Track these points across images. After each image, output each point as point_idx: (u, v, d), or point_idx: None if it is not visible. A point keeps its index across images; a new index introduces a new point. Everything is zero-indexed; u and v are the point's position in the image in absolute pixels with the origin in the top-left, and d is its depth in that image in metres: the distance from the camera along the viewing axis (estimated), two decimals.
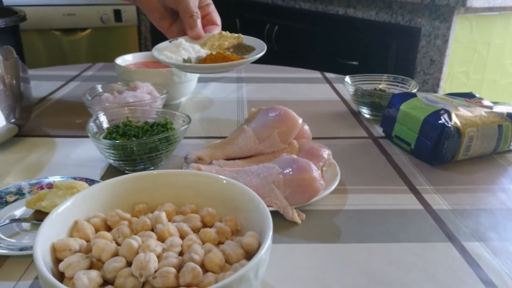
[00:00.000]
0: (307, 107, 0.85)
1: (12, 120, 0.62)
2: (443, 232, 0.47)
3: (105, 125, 0.60)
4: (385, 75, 0.83)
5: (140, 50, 2.70)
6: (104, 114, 0.61)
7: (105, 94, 0.70)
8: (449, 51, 1.71)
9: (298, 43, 2.29)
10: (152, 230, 0.35)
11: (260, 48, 0.71)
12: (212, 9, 0.76)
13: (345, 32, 2.05)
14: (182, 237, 0.34)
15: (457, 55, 1.74)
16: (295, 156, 0.49)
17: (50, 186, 0.50)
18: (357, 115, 0.81)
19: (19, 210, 0.47)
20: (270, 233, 0.31)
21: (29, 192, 0.49)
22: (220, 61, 0.66)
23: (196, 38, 0.72)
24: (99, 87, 0.73)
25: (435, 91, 1.76)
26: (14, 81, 0.61)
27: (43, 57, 2.42)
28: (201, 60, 0.68)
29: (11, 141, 0.66)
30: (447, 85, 1.78)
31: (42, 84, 0.97)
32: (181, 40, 0.71)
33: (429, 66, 1.78)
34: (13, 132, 0.65)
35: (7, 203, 0.47)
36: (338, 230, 0.46)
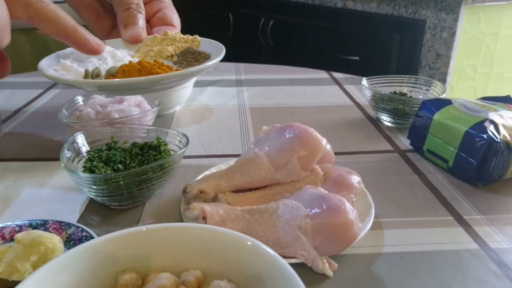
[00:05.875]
0: (319, 115, 0.75)
1: None
2: None
3: (85, 148, 0.50)
4: (407, 76, 0.73)
5: None
6: (82, 135, 0.50)
7: (87, 109, 0.59)
8: (456, 44, 1.61)
9: (294, 38, 2.18)
10: None
11: (216, 55, 0.52)
12: (167, 4, 0.59)
13: (345, 25, 1.95)
14: None
15: (465, 48, 1.64)
16: (323, 190, 0.39)
17: (14, 233, 0.40)
18: (376, 123, 0.71)
19: None
20: None
21: None
22: (134, 75, 0.45)
23: (133, 42, 0.53)
24: (80, 100, 0.63)
25: None
26: None
27: (29, 59, 2.29)
28: (111, 75, 0.47)
29: None
30: (454, 79, 1.69)
31: (17, 93, 0.86)
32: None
33: (435, 61, 1.68)
34: None
35: None
36: (379, 283, 0.37)
